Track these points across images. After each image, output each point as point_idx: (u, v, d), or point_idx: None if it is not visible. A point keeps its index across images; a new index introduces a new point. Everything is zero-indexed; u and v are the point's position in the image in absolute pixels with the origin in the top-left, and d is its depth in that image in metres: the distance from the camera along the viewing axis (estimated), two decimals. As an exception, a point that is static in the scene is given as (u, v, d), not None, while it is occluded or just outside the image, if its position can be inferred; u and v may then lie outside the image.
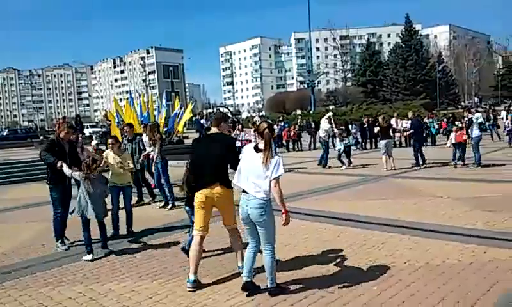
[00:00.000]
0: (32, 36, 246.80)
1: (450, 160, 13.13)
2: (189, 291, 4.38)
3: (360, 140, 22.08)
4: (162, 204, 9.25)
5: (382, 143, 13.47)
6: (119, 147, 7.55)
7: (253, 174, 4.07)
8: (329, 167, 14.27)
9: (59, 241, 6.28)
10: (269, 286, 4.16)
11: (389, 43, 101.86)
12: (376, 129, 14.46)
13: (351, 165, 14.15)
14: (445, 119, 27.80)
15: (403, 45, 68.63)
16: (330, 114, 15.28)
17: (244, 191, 4.16)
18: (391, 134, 13.73)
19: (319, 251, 5.55)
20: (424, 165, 13.29)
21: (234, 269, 4.84)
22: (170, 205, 9.06)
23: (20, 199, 11.21)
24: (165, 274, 4.99)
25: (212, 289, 4.46)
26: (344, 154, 14.29)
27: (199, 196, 4.50)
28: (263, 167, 3.99)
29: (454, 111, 39.64)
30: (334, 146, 15.86)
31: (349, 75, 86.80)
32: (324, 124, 14.63)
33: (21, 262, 5.73)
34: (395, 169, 12.91)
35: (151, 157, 9.56)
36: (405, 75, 65.67)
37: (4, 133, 40.98)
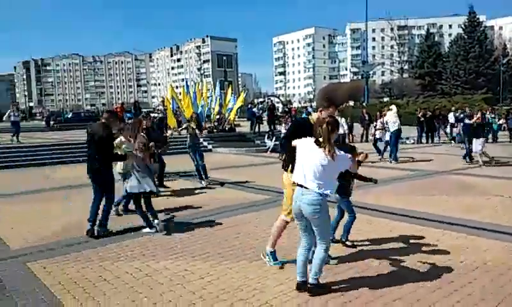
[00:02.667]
0: (96, 25, 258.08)
1: None
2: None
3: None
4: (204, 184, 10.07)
5: (479, 141, 12.74)
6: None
7: (313, 168, 3.89)
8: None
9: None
10: (310, 282, 4.03)
11: (450, 34, 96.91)
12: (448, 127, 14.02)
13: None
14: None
15: (465, 37, 64.97)
16: (395, 108, 14.73)
17: (299, 185, 3.99)
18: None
19: (371, 245, 5.47)
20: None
21: (285, 256, 4.89)
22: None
23: (81, 176, 11.82)
24: (216, 256, 5.14)
25: (263, 273, 4.55)
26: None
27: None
28: (327, 161, 3.84)
29: None
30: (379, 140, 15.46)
31: (406, 67, 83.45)
32: (392, 117, 14.10)
33: (83, 237, 6.10)
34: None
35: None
36: (466, 68, 62.27)
37: (69, 116, 43.44)
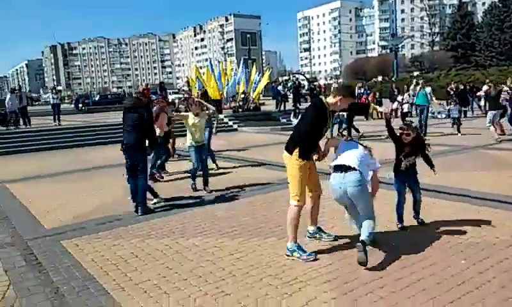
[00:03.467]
0: (118, 4, 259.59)
1: None
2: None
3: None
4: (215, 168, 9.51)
5: (491, 113, 12.47)
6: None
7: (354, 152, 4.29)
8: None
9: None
10: (362, 238, 4.07)
11: (483, 3, 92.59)
12: (482, 100, 13.73)
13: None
14: None
15: (500, 5, 61.95)
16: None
17: (337, 170, 4.23)
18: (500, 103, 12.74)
19: (408, 221, 5.33)
20: None
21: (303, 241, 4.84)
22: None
23: (108, 158, 12.00)
24: (244, 233, 5.14)
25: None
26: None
27: (307, 164, 4.33)
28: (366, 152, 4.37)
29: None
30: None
31: (437, 39, 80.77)
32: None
33: (114, 215, 6.21)
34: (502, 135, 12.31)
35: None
36: (501, 38, 59.56)
37: (97, 98, 44.23)
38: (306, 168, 4.30)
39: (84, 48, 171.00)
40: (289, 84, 30.68)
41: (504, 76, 29.20)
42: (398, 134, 4.96)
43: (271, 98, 29.22)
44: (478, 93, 19.34)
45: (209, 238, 5.07)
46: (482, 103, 21.86)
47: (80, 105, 37.73)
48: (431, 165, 5.07)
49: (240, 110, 21.43)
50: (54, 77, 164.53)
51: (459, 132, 13.75)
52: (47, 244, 5.16)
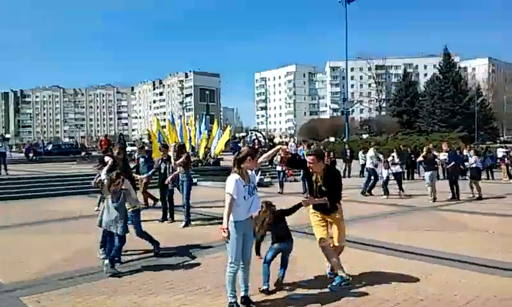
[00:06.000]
0: (77, 56, 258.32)
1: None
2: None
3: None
4: (183, 224, 9.38)
5: (427, 174, 13.36)
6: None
7: None
8: (372, 195, 14.35)
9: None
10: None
11: (425, 75, 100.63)
12: (420, 159, 14.43)
13: (403, 194, 14.31)
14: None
15: (441, 77, 67.57)
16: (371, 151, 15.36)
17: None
18: (435, 165, 13.64)
19: (365, 278, 5.55)
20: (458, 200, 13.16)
21: (282, 292, 4.93)
22: (184, 223, 9.33)
23: (68, 211, 11.67)
24: (215, 290, 5.12)
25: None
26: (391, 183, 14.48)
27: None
28: None
29: (489, 145, 38.39)
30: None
31: (384, 105, 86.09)
32: (371, 153, 15.00)
33: (76, 271, 6.00)
34: (437, 201, 12.80)
35: (180, 177, 9.73)
36: (442, 107, 64.42)
37: (49, 148, 42.71)
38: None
39: (37, 97, 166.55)
40: (252, 139, 31.31)
41: (444, 141, 31.46)
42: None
43: (230, 153, 29.57)
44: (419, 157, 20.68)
45: (178, 295, 5.01)
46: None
47: (31, 154, 36.24)
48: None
49: (200, 164, 21.50)
50: (3, 125, 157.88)
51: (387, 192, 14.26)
52: (5, 300, 4.90)
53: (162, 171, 9.98)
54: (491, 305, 4.56)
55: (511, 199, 12.86)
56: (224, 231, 4.28)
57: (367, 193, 14.46)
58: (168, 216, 9.99)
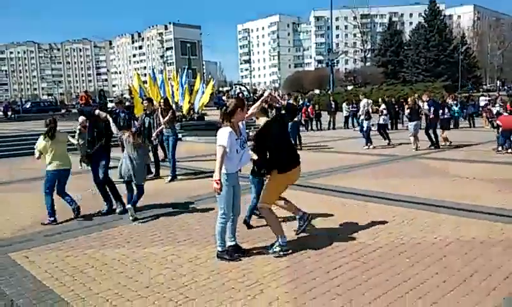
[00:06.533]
0: (53, 9, 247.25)
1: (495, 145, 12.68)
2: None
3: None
4: (169, 179, 9.40)
5: (412, 124, 13.50)
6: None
7: None
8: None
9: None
10: (217, 248, 4.64)
11: (411, 23, 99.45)
12: (407, 111, 14.50)
13: (390, 143, 14.67)
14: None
15: (426, 25, 66.93)
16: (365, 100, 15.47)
17: None
18: (419, 116, 13.75)
19: (349, 225, 5.69)
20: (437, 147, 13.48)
21: (268, 239, 5.02)
22: (170, 178, 9.36)
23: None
24: (201, 241, 5.21)
25: (250, 255, 4.68)
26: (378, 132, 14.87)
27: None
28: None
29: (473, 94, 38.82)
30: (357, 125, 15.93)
31: (369, 55, 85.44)
32: (364, 101, 15.14)
33: (62, 226, 6.02)
34: (420, 150, 13.05)
35: (164, 132, 9.65)
36: (427, 56, 64.30)
37: (27, 106, 41.69)
38: None
39: (12, 53, 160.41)
40: (236, 92, 30.99)
41: (428, 91, 31.63)
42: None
43: (214, 108, 29.31)
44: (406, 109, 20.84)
45: (167, 246, 5.09)
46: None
47: (9, 112, 35.35)
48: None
49: (184, 119, 21.29)
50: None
51: (387, 140, 14.79)
52: (-8, 257, 4.90)
53: (146, 125, 9.64)
54: (470, 247, 4.73)
55: (490, 146, 13.12)
56: (217, 183, 4.28)
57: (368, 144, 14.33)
58: (153, 171, 9.94)
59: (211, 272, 4.25)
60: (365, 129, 14.39)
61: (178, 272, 4.29)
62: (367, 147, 14.03)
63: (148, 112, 9.90)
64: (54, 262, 4.66)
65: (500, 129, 12.34)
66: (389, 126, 21.73)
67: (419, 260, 4.38)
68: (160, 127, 9.57)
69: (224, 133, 4.36)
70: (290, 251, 4.67)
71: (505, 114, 13.94)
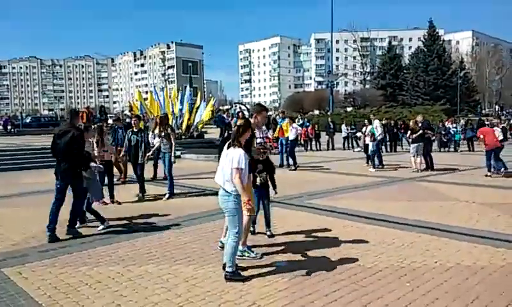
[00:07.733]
0: (56, 26, 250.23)
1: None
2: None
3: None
4: (167, 196, 9.26)
5: (413, 146, 13.55)
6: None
7: (223, 167, 4.59)
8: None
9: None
10: (227, 270, 4.50)
11: (410, 47, 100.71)
12: (408, 133, 14.54)
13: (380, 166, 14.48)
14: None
15: (425, 50, 67.74)
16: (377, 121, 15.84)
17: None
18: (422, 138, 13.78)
19: (348, 247, 5.62)
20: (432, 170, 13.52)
21: (266, 259, 4.95)
22: (168, 195, 9.24)
23: (46, 183, 11.40)
24: (199, 260, 5.13)
25: (247, 275, 4.58)
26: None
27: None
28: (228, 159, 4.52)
29: (472, 118, 39.01)
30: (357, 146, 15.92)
31: (368, 78, 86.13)
32: (377, 123, 15.42)
33: (56, 243, 5.92)
34: (421, 171, 13.16)
35: (162, 149, 9.48)
36: (426, 80, 64.84)
37: (28, 121, 41.66)
38: None
39: (14, 68, 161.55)
40: (236, 111, 31.07)
41: (427, 114, 31.83)
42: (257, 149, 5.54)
43: (214, 126, 29.38)
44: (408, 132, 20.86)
45: (162, 265, 5.00)
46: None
47: (9, 127, 35.36)
48: (274, 187, 5.91)
49: (183, 137, 21.32)
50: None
51: (373, 166, 14.19)
52: (-15, 272, 4.81)
53: (133, 143, 9.27)
54: (471, 272, 4.66)
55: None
56: (249, 204, 4.38)
57: (380, 166, 14.31)
58: (139, 190, 9.44)
59: (207, 293, 4.16)
60: (372, 150, 14.28)
61: (173, 292, 4.20)
62: (374, 170, 13.87)
63: (135, 129, 9.51)
64: (47, 279, 4.57)
65: (484, 150, 12.41)
66: (383, 149, 21.83)
67: (419, 285, 4.30)
68: (157, 145, 9.54)
69: (239, 156, 4.44)
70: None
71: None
